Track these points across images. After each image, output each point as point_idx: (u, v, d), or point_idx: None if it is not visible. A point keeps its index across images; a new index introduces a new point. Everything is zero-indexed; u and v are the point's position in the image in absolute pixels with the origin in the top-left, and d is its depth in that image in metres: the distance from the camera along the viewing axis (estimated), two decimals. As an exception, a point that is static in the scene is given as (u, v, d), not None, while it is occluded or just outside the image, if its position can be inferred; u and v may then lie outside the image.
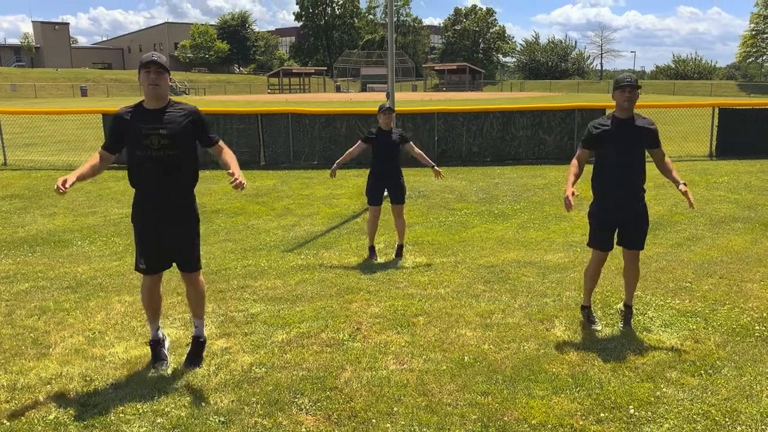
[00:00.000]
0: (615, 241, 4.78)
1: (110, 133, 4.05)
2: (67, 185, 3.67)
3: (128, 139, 3.94)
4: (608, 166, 4.59)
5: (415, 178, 12.31)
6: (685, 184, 4.67)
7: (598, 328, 4.82)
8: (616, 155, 4.54)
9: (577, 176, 4.68)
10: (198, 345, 4.36)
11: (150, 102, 3.94)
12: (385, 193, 6.99)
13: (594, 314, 4.99)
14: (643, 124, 4.60)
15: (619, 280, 5.96)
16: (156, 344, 4.30)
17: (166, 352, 4.33)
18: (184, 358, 4.38)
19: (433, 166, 6.95)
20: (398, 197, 6.89)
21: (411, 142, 6.98)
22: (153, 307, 4.27)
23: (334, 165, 6.91)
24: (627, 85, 4.48)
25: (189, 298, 4.37)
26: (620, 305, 5.12)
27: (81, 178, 3.88)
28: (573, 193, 4.50)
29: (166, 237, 4.09)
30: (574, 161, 4.73)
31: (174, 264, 4.23)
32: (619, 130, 4.55)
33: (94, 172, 3.99)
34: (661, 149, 4.70)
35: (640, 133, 4.57)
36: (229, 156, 4.16)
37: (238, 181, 3.88)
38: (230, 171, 3.93)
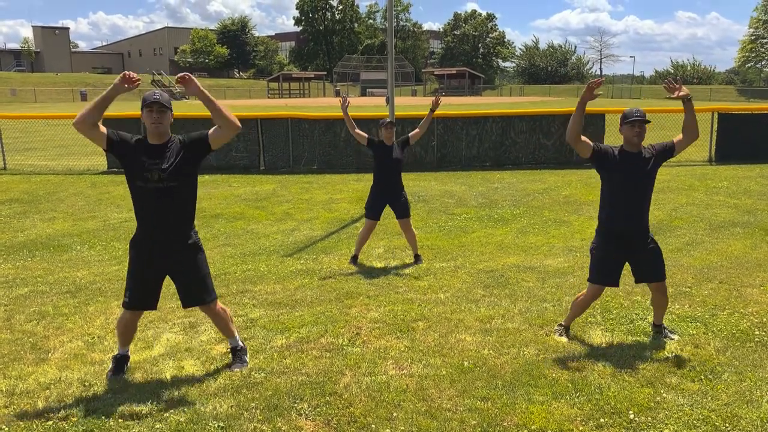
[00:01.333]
0: (634, 279, 4.67)
1: (117, 133, 3.97)
2: (133, 79, 3.76)
3: (129, 169, 3.94)
4: (613, 198, 4.48)
5: (415, 183, 12.32)
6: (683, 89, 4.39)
7: (564, 340, 4.72)
8: (624, 191, 4.43)
9: (581, 116, 4.40)
10: (238, 352, 4.36)
11: (153, 139, 3.96)
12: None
13: (569, 333, 4.85)
14: (648, 151, 4.47)
15: (620, 285, 5.95)
16: (122, 359, 4.28)
17: (126, 367, 4.27)
18: (183, 362, 4.38)
19: (430, 110, 6.99)
20: (403, 212, 6.86)
21: (410, 135, 6.96)
22: (126, 337, 4.25)
23: (347, 109, 6.76)
24: (637, 120, 4.34)
25: (215, 325, 4.39)
26: (651, 326, 4.93)
27: (109, 100, 3.83)
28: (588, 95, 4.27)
29: (162, 273, 4.07)
30: (581, 123, 4.44)
31: (183, 307, 4.21)
32: (628, 165, 4.42)
33: (99, 112, 3.83)
34: (676, 142, 4.51)
35: (647, 163, 4.43)
36: (213, 106, 3.96)
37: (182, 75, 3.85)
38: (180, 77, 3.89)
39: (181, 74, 3.88)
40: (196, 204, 4.18)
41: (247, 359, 4.38)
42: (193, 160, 3.99)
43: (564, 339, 4.76)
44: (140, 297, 4.07)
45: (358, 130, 6.70)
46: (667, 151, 4.51)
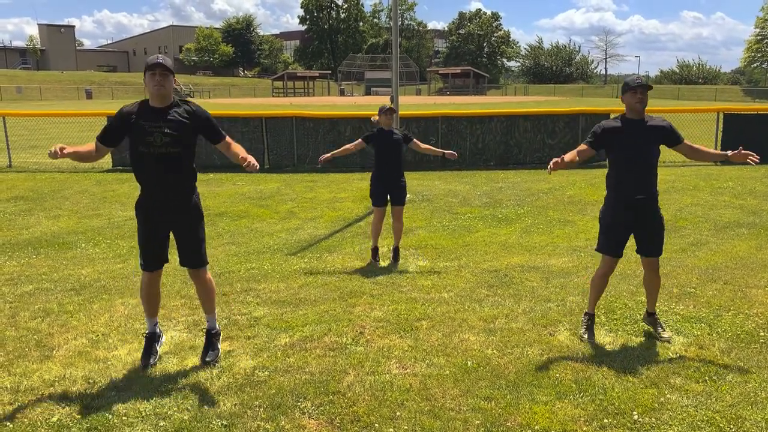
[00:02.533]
0: (635, 248, 4.69)
1: (107, 127, 4.16)
2: (64, 152, 3.89)
3: (132, 135, 4.04)
4: (622, 166, 4.50)
5: (419, 182, 12.31)
6: (731, 151, 4.52)
7: (591, 340, 4.69)
8: (630, 156, 4.45)
9: (572, 162, 4.45)
10: (211, 336, 4.46)
11: (155, 101, 4.05)
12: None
13: (593, 327, 4.82)
14: (655, 123, 4.50)
15: (623, 285, 5.95)
16: (152, 337, 4.41)
17: (158, 348, 4.44)
18: (187, 360, 4.39)
19: (443, 154, 6.95)
20: (399, 199, 6.87)
21: (415, 140, 6.97)
22: (151, 304, 4.40)
23: (328, 154, 6.88)
24: (638, 86, 4.40)
25: (198, 295, 4.49)
26: (643, 315, 4.97)
27: (76, 156, 4.09)
28: (556, 163, 4.30)
29: (167, 231, 4.22)
30: (575, 152, 4.51)
31: (179, 264, 4.32)
32: (631, 131, 4.45)
33: (87, 156, 4.18)
34: (684, 143, 4.57)
35: (652, 133, 4.47)
36: (237, 147, 4.27)
37: (250, 162, 4.01)
38: (242, 156, 4.08)
39: (250, 163, 4.03)
40: (203, 204, 4.26)
41: (219, 346, 4.47)
42: (194, 136, 4.13)
43: (593, 339, 4.69)
44: (153, 256, 4.23)
45: (351, 145, 6.84)
46: (670, 136, 4.52)
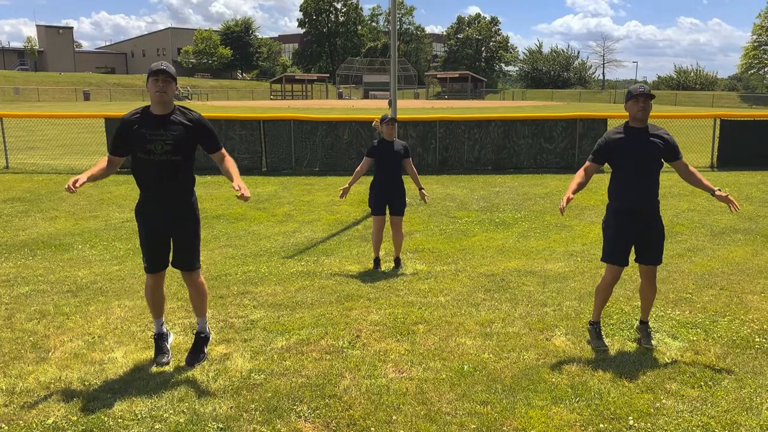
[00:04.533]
0: (634, 257, 4.69)
1: (115, 139, 4.20)
2: (78, 185, 3.81)
3: (133, 142, 4.09)
4: (624, 176, 4.49)
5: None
6: (719, 190, 4.57)
7: (605, 347, 4.65)
8: (632, 165, 4.45)
9: (581, 186, 4.56)
10: (199, 340, 4.50)
11: (156, 108, 4.10)
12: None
13: (601, 334, 4.81)
14: (658, 134, 4.49)
15: (620, 290, 5.96)
16: (160, 338, 4.49)
17: (168, 346, 4.50)
18: (183, 363, 4.38)
19: (420, 189, 6.89)
20: (398, 209, 6.86)
21: (410, 159, 6.92)
22: (156, 305, 4.46)
23: (347, 185, 6.79)
24: (641, 95, 4.39)
25: (191, 298, 4.53)
26: (636, 323, 4.97)
27: (91, 179, 4.06)
28: (569, 200, 4.41)
29: (166, 235, 4.26)
30: (581, 171, 4.59)
31: (171, 266, 4.38)
32: (634, 140, 4.45)
33: (103, 174, 4.18)
34: (682, 161, 4.59)
35: (654, 143, 4.46)
36: (230, 165, 4.29)
37: (242, 195, 4.01)
38: (234, 185, 4.09)
39: (243, 195, 3.99)
40: (200, 207, 4.27)
41: (206, 351, 4.51)
42: (194, 144, 4.18)
43: (605, 346, 4.66)
44: (156, 258, 4.29)
45: (360, 169, 6.80)
46: (671, 150, 4.53)
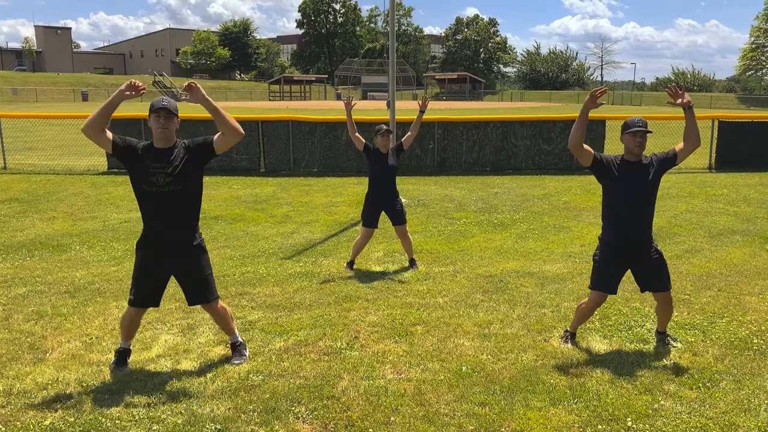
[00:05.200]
0: (639, 288, 4.69)
1: (124, 138, 4.09)
2: (138, 87, 3.85)
3: (136, 173, 4.07)
4: (616, 209, 4.45)
5: (415, 187, 12.32)
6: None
7: (569, 347, 4.71)
8: (625, 199, 4.40)
9: (581, 124, 4.36)
10: (237, 347, 4.50)
11: (159, 143, 4.10)
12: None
13: (574, 340, 4.83)
14: (648, 161, 4.44)
15: (618, 291, 5.94)
16: (124, 352, 4.39)
17: (128, 360, 4.40)
18: (180, 364, 4.38)
19: (419, 110, 6.93)
20: (399, 219, 6.85)
21: (403, 140, 6.88)
22: (129, 332, 4.39)
23: (351, 109, 6.79)
24: (639, 131, 4.30)
25: (216, 323, 4.54)
26: (654, 333, 4.93)
27: (112, 108, 3.93)
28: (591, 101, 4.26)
29: (166, 274, 4.22)
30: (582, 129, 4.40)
31: (188, 305, 4.39)
32: (628, 175, 4.39)
33: (105, 120, 3.95)
34: (676, 148, 4.48)
35: (649, 171, 4.40)
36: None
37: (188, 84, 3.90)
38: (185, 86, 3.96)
39: (188, 82, 3.95)
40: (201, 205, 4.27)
41: (247, 353, 4.49)
42: (197, 165, 4.14)
43: (569, 346, 4.74)
44: (146, 295, 4.22)
45: (357, 134, 6.71)
46: (668, 160, 4.48)
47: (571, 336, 4.86)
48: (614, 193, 4.46)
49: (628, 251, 4.50)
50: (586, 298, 4.80)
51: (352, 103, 6.90)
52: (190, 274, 4.22)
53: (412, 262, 7.00)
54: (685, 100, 4.32)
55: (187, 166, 4.07)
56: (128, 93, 3.90)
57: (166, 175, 4.01)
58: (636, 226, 4.45)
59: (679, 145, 4.53)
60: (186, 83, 3.97)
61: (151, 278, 4.19)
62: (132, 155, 4.05)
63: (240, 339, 4.56)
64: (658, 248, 4.58)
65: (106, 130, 3.99)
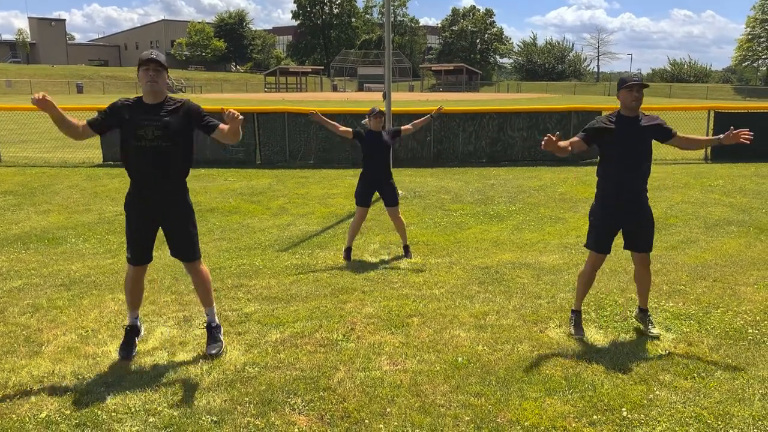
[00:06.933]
0: (623, 245, 4.72)
1: (100, 116, 4.13)
2: (45, 98, 3.76)
3: (124, 128, 4.05)
4: (612, 167, 4.49)
5: (411, 179, 12.31)
6: (726, 134, 4.43)
7: (581, 335, 4.71)
8: (621, 156, 4.44)
9: (563, 150, 4.38)
10: (211, 330, 4.49)
11: (148, 98, 4.07)
12: (377, 196, 6.97)
13: (581, 323, 4.83)
14: (648, 123, 4.49)
15: (613, 282, 5.98)
16: (131, 330, 4.44)
17: (137, 341, 4.46)
18: (177, 356, 4.38)
19: (430, 115, 7.17)
20: (391, 199, 6.86)
21: (402, 128, 6.97)
22: (134, 297, 4.43)
23: (320, 117, 6.82)
24: (635, 84, 4.35)
25: (195, 288, 4.53)
26: (635, 312, 4.97)
27: (59, 118, 3.93)
28: (551, 141, 4.23)
29: (155, 226, 4.23)
30: (568, 141, 4.46)
31: (171, 255, 4.37)
32: (625, 130, 4.43)
33: (70, 126, 4.00)
34: (677, 135, 4.55)
35: (645, 131, 4.45)
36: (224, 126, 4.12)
37: (232, 113, 3.86)
38: (227, 124, 3.92)
39: (232, 114, 3.84)
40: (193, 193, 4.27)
41: (222, 339, 4.49)
42: (189, 131, 4.14)
43: (582, 335, 4.71)
44: (139, 250, 4.24)
45: (341, 128, 6.77)
46: (663, 132, 4.52)
47: (578, 319, 4.82)
48: (612, 150, 4.48)
49: (624, 204, 4.53)
50: (582, 269, 4.83)
51: (313, 112, 6.94)
52: (176, 231, 4.24)
53: (407, 250, 7.01)
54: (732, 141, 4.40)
55: (180, 122, 4.04)
56: (41, 107, 3.81)
57: (155, 128, 3.98)
58: (632, 177, 4.48)
59: (683, 135, 4.59)
60: (232, 113, 3.82)
61: (142, 233, 4.20)
62: (118, 116, 4.03)
63: (217, 320, 4.55)
64: (650, 208, 4.62)
65: (80, 125, 4.01)
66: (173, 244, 4.29)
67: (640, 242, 4.64)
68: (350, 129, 6.78)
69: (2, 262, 6.82)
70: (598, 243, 4.65)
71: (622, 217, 4.58)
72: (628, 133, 4.44)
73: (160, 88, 4.04)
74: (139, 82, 4.06)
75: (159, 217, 4.21)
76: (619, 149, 4.45)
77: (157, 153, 4.01)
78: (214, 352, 4.37)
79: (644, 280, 4.79)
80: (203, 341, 4.63)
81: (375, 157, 6.78)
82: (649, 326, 4.78)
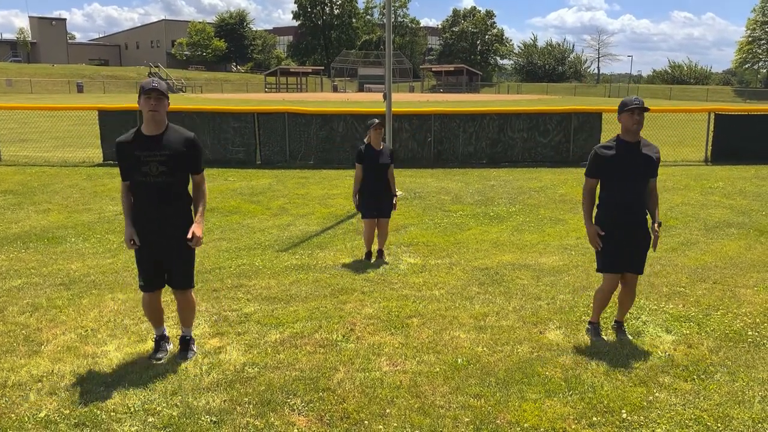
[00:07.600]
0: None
1: (120, 164, 4.18)
2: (136, 240, 4.09)
3: (128, 164, 4.10)
4: (613, 189, 4.48)
5: (412, 179, 12.31)
6: (659, 225, 4.52)
7: (603, 343, 4.65)
8: (624, 180, 4.43)
9: (593, 206, 4.60)
10: (184, 342, 4.48)
11: (149, 127, 4.07)
12: None
13: (600, 332, 4.80)
14: (649, 153, 4.45)
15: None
16: (161, 339, 4.48)
17: (168, 347, 4.47)
18: (176, 357, 4.37)
19: (395, 195, 7.00)
20: (387, 212, 6.91)
21: (392, 165, 6.94)
22: (155, 318, 4.46)
23: (355, 195, 6.85)
24: (636, 108, 4.31)
25: (179, 311, 4.51)
26: (612, 322, 4.95)
27: (127, 209, 4.19)
28: (595, 229, 4.52)
29: (163, 255, 4.23)
30: (586, 193, 4.61)
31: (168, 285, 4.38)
32: (626, 155, 4.41)
33: (131, 202, 4.20)
34: (655, 180, 4.57)
35: (645, 159, 4.43)
36: (201, 197, 4.33)
37: (195, 238, 4.13)
38: (194, 225, 4.19)
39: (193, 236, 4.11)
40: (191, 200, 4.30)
41: (195, 349, 4.49)
42: (188, 162, 4.18)
43: (601, 339, 4.70)
44: (151, 278, 4.26)
45: (357, 176, 6.78)
46: (651, 169, 4.51)
47: (595, 328, 4.80)
48: (612, 173, 4.47)
49: (625, 226, 4.50)
50: (599, 286, 4.79)
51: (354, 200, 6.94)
52: (176, 261, 4.24)
53: (381, 254, 7.01)
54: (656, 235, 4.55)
55: (181, 154, 4.07)
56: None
57: (158, 163, 4.00)
58: (632, 203, 4.48)
59: (654, 185, 4.59)
60: (192, 239, 4.11)
61: (150, 262, 4.21)
62: (128, 155, 4.06)
63: (192, 334, 4.56)
64: (649, 232, 4.60)
65: (127, 193, 4.19)
66: (173, 274, 4.28)
67: (636, 263, 4.60)
68: (357, 165, 6.78)
69: (2, 261, 6.82)
70: (612, 264, 4.58)
71: (624, 236, 4.53)
72: (629, 159, 4.41)
73: (162, 117, 4.06)
74: (140, 109, 4.07)
75: (164, 247, 4.19)
76: (622, 174, 4.43)
77: (161, 188, 4.06)
78: (187, 357, 4.38)
79: (628, 299, 4.75)
80: (202, 341, 4.63)
81: (375, 174, 6.77)
82: (620, 334, 4.78)
